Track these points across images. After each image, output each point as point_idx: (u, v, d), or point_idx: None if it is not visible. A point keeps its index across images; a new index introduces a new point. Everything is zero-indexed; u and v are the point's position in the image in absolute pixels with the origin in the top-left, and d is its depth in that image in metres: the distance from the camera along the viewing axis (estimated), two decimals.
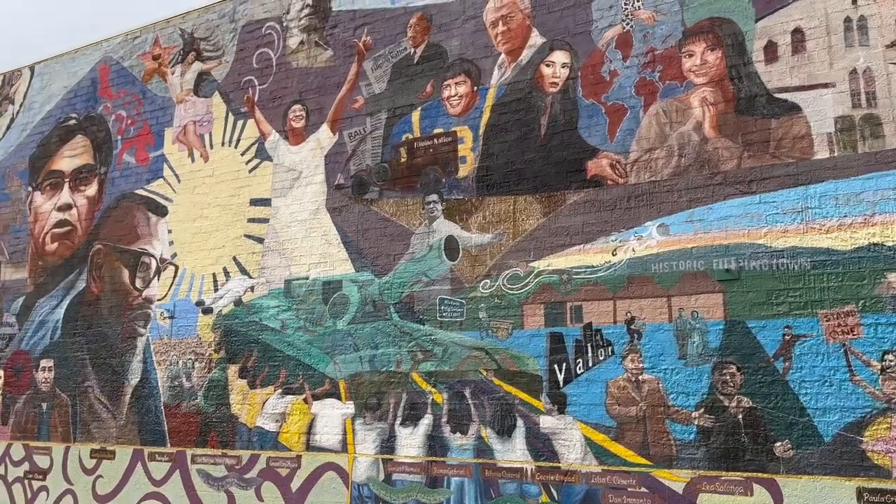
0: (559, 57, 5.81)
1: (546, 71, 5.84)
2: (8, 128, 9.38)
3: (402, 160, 6.38)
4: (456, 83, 6.24)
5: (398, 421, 5.94)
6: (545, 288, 5.52)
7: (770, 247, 4.83)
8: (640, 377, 5.07)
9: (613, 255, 5.30)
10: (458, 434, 5.65)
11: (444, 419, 5.74)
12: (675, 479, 4.87)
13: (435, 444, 5.76)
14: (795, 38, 5.01)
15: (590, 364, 5.24)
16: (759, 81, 5.05)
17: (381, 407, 6.03)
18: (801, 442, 4.55)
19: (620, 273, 5.26)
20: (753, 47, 5.11)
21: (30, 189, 8.89)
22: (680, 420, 4.92)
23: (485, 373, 5.63)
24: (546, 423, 5.33)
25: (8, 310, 8.71)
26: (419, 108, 6.39)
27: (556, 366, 5.37)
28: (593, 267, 5.36)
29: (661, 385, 5.00)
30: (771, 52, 5.07)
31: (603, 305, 5.27)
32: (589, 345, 5.26)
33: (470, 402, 5.64)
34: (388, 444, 5.97)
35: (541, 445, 5.34)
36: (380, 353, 6.13)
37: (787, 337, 4.69)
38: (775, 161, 4.90)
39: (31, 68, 9.36)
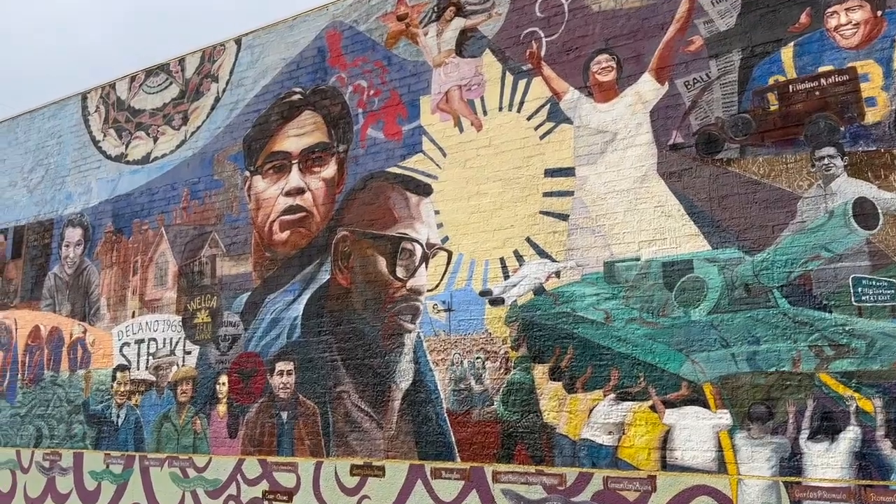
0: None
1: None
2: (213, 108, 8.55)
3: (772, 108, 5.14)
4: (847, 9, 4.97)
5: (804, 434, 4.68)
6: None
7: None
8: None
9: None
10: None
11: (881, 432, 4.45)
12: None
13: (869, 463, 4.47)
14: None
15: None
16: None
17: (775, 417, 4.79)
18: None
19: None
20: None
21: (247, 174, 8.01)
22: None
23: None
24: None
25: (229, 308, 7.83)
26: (791, 44, 5.14)
27: None
28: None
29: None
30: None
31: None
32: None
33: None
34: (790, 464, 4.71)
35: None
36: (763, 349, 4.89)
37: None
38: None
39: (237, 41, 8.52)
